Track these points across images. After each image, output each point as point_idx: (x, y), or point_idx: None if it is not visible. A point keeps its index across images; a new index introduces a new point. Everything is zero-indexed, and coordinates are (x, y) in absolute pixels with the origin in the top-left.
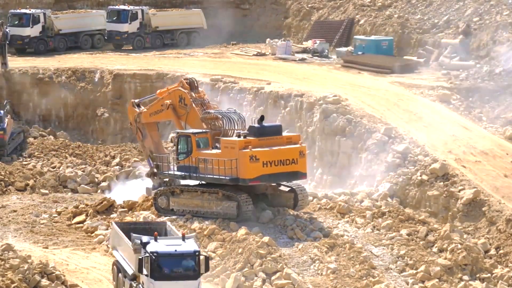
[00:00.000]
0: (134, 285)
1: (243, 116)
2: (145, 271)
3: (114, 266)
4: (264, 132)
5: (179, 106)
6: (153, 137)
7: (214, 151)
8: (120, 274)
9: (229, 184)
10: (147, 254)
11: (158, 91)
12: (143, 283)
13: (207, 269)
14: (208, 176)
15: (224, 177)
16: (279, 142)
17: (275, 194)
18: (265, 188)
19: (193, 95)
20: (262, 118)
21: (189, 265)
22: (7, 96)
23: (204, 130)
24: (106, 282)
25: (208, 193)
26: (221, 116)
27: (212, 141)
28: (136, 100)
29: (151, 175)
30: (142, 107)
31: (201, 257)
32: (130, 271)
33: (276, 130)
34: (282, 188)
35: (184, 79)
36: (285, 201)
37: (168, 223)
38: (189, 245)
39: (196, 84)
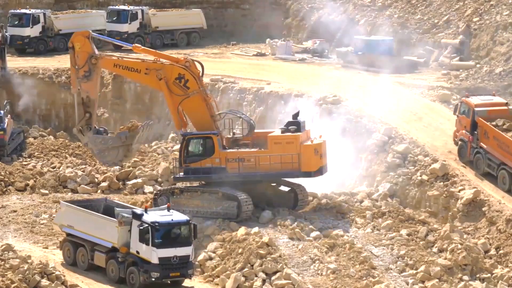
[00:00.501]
0: (119, 255)
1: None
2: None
3: (67, 243)
4: (301, 126)
5: (174, 83)
6: (97, 84)
7: (250, 149)
8: (81, 248)
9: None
10: (146, 225)
11: (135, 44)
12: (138, 252)
13: (195, 236)
14: (256, 174)
15: (284, 173)
16: (307, 137)
17: (275, 194)
18: (266, 188)
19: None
20: (298, 114)
21: (185, 232)
22: (7, 97)
23: (215, 131)
24: (106, 282)
25: (208, 193)
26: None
27: (223, 142)
28: (94, 34)
29: (79, 131)
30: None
31: (191, 225)
32: (107, 244)
33: (304, 125)
34: (282, 188)
35: (192, 59)
36: (285, 201)
37: (108, 198)
38: (179, 215)
39: (203, 71)
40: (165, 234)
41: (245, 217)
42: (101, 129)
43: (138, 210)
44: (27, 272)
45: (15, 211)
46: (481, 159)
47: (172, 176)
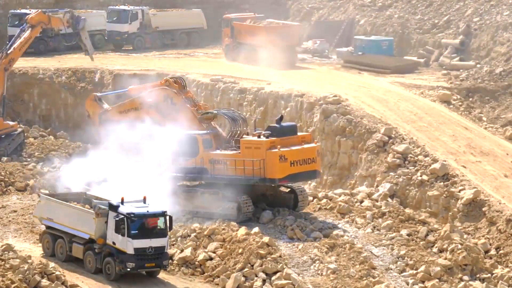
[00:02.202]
0: (96, 247)
1: (244, 116)
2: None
3: (46, 235)
4: (284, 131)
5: (164, 105)
6: None
7: (229, 151)
8: (59, 240)
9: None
10: (122, 216)
11: (130, 87)
12: (114, 243)
13: (171, 227)
14: (225, 177)
15: (248, 178)
16: (296, 142)
17: (275, 195)
18: (266, 189)
19: (182, 95)
20: (281, 118)
21: (160, 223)
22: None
23: (207, 131)
24: (106, 282)
25: (208, 194)
26: (226, 117)
27: (215, 142)
28: (99, 94)
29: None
30: (105, 104)
31: (167, 217)
32: (84, 236)
33: (293, 130)
34: (282, 188)
35: (171, 77)
36: (285, 202)
37: (88, 192)
38: (155, 207)
39: (184, 83)
40: (140, 225)
41: (245, 218)
42: None
43: (114, 202)
44: (27, 272)
45: (15, 211)
46: None
47: None
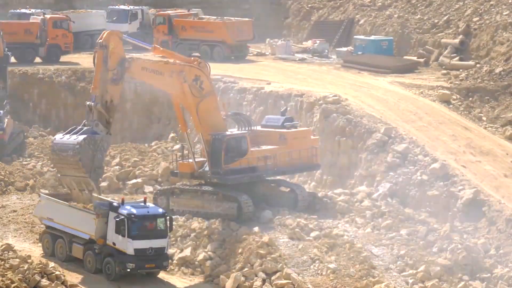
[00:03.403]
0: (96, 247)
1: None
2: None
3: (46, 235)
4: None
5: (191, 85)
6: (121, 89)
7: (270, 146)
8: (59, 240)
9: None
10: (122, 217)
11: (154, 45)
12: (114, 243)
13: (171, 228)
14: (281, 170)
15: (303, 167)
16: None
17: (275, 195)
18: (266, 188)
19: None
20: (286, 110)
21: (161, 224)
22: (7, 96)
23: (246, 130)
24: (106, 282)
25: (209, 193)
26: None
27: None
28: (126, 36)
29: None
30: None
31: (167, 218)
32: (85, 236)
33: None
34: (282, 188)
35: (199, 61)
36: (286, 202)
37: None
38: (155, 208)
39: (210, 71)
40: (141, 226)
41: (245, 218)
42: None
43: (115, 203)
44: (27, 272)
45: (15, 211)
46: None
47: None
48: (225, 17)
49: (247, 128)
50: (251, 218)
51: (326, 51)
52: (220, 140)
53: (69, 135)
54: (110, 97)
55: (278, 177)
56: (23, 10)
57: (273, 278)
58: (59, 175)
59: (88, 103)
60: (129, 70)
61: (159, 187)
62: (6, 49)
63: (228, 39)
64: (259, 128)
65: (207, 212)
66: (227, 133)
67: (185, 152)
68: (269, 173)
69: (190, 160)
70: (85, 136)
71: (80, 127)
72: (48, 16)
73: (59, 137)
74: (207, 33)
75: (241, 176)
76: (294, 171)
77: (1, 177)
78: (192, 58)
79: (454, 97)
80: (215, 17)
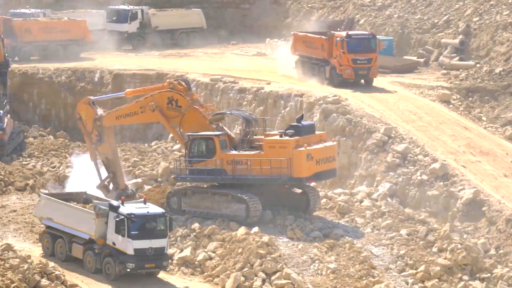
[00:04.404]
0: (96, 247)
1: (255, 116)
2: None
3: (46, 235)
4: (305, 130)
5: (168, 108)
6: (111, 143)
7: (249, 151)
8: (59, 240)
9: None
10: (122, 217)
11: (126, 91)
12: (114, 243)
13: (171, 228)
14: (248, 177)
15: (274, 178)
16: (316, 140)
17: (287, 197)
18: (278, 190)
19: (188, 97)
20: (302, 117)
21: (160, 224)
22: (8, 97)
23: (222, 132)
24: (106, 282)
25: (219, 195)
26: (241, 117)
27: (229, 143)
28: (93, 98)
29: (103, 187)
30: (99, 109)
31: (167, 218)
32: (84, 236)
33: (312, 128)
34: (294, 190)
35: (174, 79)
36: (298, 204)
37: (88, 191)
38: (155, 208)
39: (189, 85)
40: (141, 226)
41: (253, 220)
42: (129, 191)
43: (115, 202)
44: (27, 271)
45: (15, 211)
46: None
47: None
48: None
49: (251, 129)
50: (260, 219)
51: None
52: (188, 139)
53: None
54: (104, 156)
55: None
56: (23, 10)
57: (273, 278)
58: None
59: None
60: (104, 125)
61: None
62: (6, 54)
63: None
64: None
65: (217, 213)
66: (200, 133)
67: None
68: (237, 179)
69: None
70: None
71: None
72: None
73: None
74: (53, 33)
75: (203, 177)
76: (266, 181)
77: (1, 177)
78: (166, 82)
79: (454, 97)
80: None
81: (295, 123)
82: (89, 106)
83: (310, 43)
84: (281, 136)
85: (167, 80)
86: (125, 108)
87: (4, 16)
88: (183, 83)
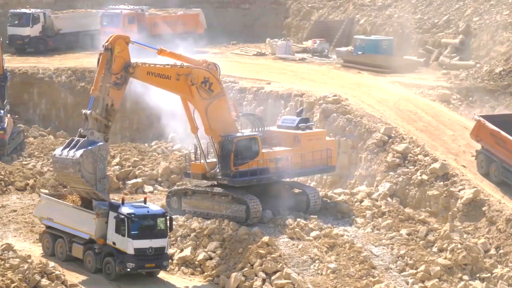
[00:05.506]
0: (96, 247)
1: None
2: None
3: (46, 235)
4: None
5: (200, 87)
6: (123, 94)
7: (281, 148)
8: (59, 240)
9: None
10: (122, 216)
11: (160, 47)
12: (114, 243)
13: (171, 228)
14: (293, 172)
15: (316, 169)
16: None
17: (288, 197)
18: (278, 190)
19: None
20: (302, 111)
21: (161, 224)
22: (7, 96)
23: (258, 131)
24: (106, 282)
25: (219, 195)
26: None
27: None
28: (134, 41)
29: (101, 128)
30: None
31: (167, 218)
32: (84, 236)
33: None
34: (294, 190)
35: (208, 63)
36: (298, 204)
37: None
38: (155, 207)
39: (220, 72)
40: (141, 226)
41: (254, 221)
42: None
43: (115, 202)
44: (27, 271)
45: (15, 211)
46: None
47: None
48: None
49: (259, 129)
50: (260, 220)
51: (326, 51)
52: (230, 141)
53: (67, 150)
54: (111, 101)
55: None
56: (23, 10)
57: (273, 278)
58: (68, 187)
59: (84, 111)
60: (134, 75)
61: (159, 187)
62: (5, 67)
63: None
64: (274, 128)
65: (217, 214)
66: (238, 134)
67: (198, 152)
68: (280, 175)
69: (202, 161)
70: (82, 151)
71: (77, 138)
72: None
73: (58, 152)
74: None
75: (250, 178)
76: (308, 173)
77: (1, 177)
78: (201, 60)
79: (454, 97)
80: None
81: (301, 117)
82: (127, 46)
83: (501, 143)
84: (302, 129)
85: (203, 59)
86: (160, 68)
87: (138, 11)
88: (216, 69)
